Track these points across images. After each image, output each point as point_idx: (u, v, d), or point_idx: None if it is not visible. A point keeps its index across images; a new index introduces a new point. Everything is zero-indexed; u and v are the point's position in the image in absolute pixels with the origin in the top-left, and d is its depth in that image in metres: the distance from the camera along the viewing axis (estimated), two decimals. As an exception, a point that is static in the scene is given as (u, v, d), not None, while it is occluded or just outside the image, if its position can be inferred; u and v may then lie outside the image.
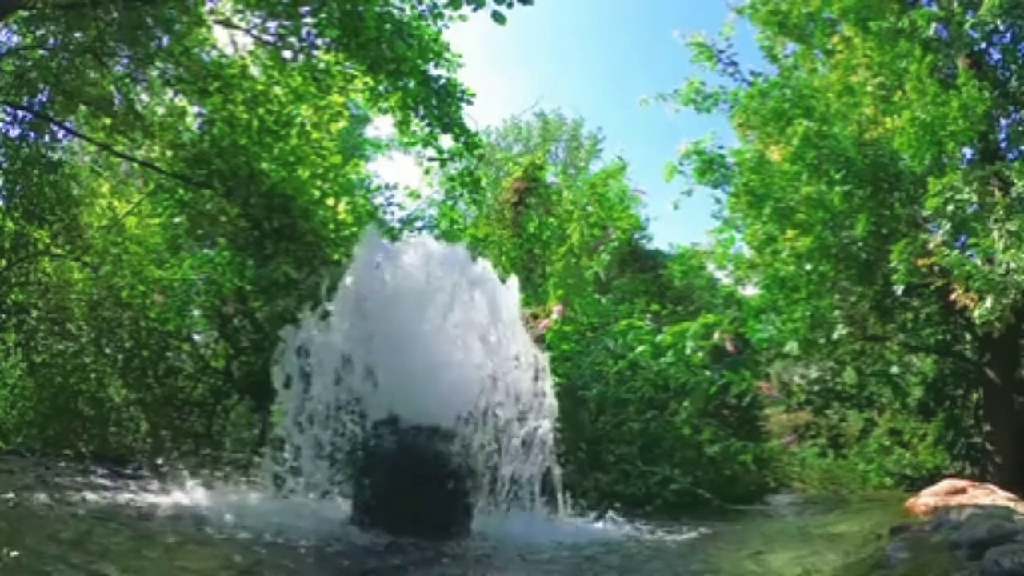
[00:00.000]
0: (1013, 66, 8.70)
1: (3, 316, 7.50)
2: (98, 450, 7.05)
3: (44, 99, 7.63)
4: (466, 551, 4.27)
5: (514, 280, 5.65)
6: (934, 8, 8.49)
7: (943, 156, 7.88)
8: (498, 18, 4.97)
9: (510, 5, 4.95)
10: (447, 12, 7.34)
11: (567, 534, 4.84)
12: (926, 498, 5.60)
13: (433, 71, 7.95)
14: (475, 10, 5.73)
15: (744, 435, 8.01)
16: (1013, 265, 7.02)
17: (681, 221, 47.02)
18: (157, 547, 3.76)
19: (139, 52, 7.43)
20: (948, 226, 7.55)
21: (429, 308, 5.19)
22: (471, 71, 14.92)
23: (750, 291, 10.83)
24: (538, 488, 5.33)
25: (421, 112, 8.12)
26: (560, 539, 4.65)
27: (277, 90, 7.93)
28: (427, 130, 8.36)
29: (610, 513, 5.44)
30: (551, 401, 5.39)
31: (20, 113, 7.48)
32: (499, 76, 31.97)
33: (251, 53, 7.89)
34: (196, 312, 8.29)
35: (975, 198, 7.50)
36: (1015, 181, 7.55)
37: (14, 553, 3.08)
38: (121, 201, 8.82)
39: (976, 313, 7.23)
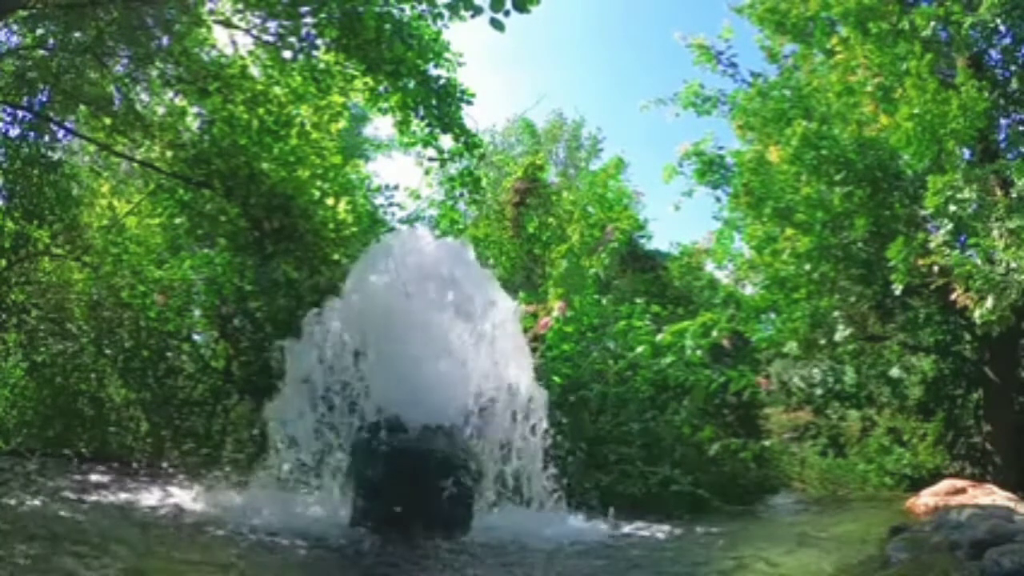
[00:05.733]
0: (1013, 67, 8.69)
1: (3, 316, 7.50)
2: (98, 450, 7.04)
3: (44, 99, 7.62)
4: (465, 550, 4.28)
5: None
6: (934, 7, 8.47)
7: (943, 155, 7.88)
8: (496, 25, 4.96)
9: (507, 13, 4.95)
10: (447, 12, 7.34)
11: (567, 533, 4.84)
12: (926, 498, 5.61)
13: (433, 71, 7.94)
14: (473, 16, 5.72)
15: (744, 434, 8.01)
16: (1013, 264, 7.01)
17: (681, 221, 47.01)
18: (157, 547, 3.76)
19: (139, 52, 7.43)
20: (949, 226, 7.54)
21: (430, 309, 5.21)
22: (471, 71, 14.92)
23: (750, 291, 10.84)
24: (538, 487, 5.34)
25: (421, 112, 8.12)
26: (560, 538, 4.65)
27: (277, 90, 7.92)
28: (427, 130, 8.36)
29: (610, 512, 5.45)
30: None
31: (20, 113, 7.48)
32: (499, 76, 31.94)
33: (251, 53, 7.89)
34: (196, 312, 8.28)
35: (975, 197, 7.49)
36: (1015, 180, 7.54)
37: (17, 556, 3.09)
38: (121, 201, 8.82)
39: (976, 313, 7.22)
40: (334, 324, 5.22)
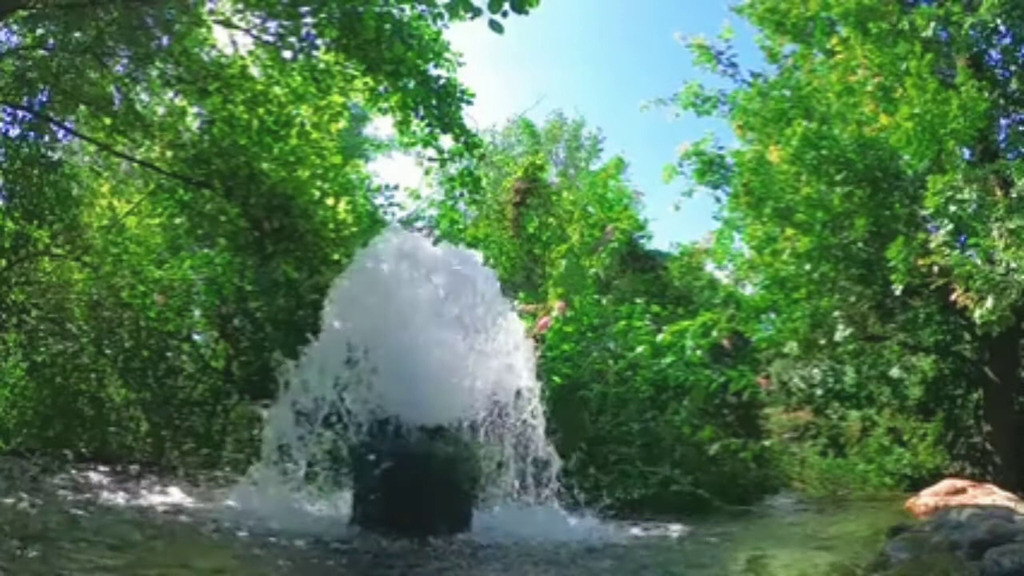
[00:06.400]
0: (1013, 67, 8.70)
1: (3, 316, 7.50)
2: (98, 450, 7.04)
3: (44, 99, 7.63)
4: (465, 551, 4.27)
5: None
6: (934, 7, 8.48)
7: (943, 155, 7.88)
8: (495, 27, 4.96)
9: (505, 14, 4.95)
10: (446, 13, 7.34)
11: (567, 534, 4.83)
12: (926, 498, 5.61)
13: (433, 71, 7.94)
14: (472, 18, 5.74)
15: (744, 434, 8.02)
16: (1013, 264, 7.01)
17: (681, 221, 47.05)
18: (155, 547, 3.76)
19: (139, 52, 7.43)
20: (949, 226, 7.54)
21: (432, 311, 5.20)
22: (471, 71, 14.94)
23: (750, 291, 10.85)
24: (538, 489, 5.33)
25: (421, 112, 8.11)
26: (560, 539, 4.65)
27: (277, 90, 7.93)
28: (427, 130, 8.35)
29: (610, 513, 5.44)
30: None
31: (20, 113, 7.48)
32: (499, 76, 31.96)
33: (251, 53, 7.89)
34: (196, 312, 8.29)
35: (975, 197, 7.49)
36: (1015, 180, 7.54)
37: (13, 556, 3.09)
38: (121, 201, 8.82)
39: (976, 313, 7.22)
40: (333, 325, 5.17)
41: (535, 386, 5.39)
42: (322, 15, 7.20)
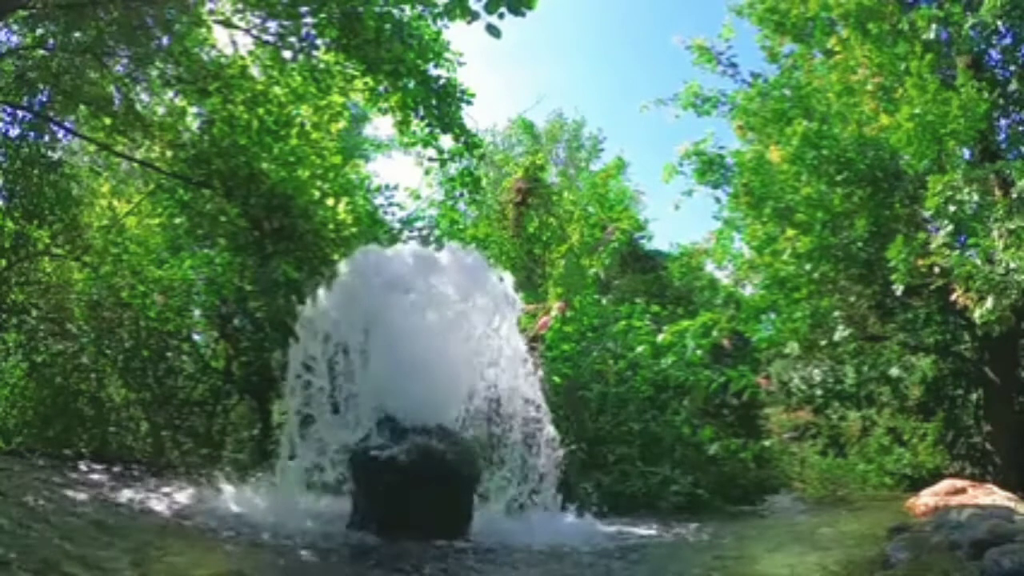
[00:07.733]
0: (1013, 67, 8.70)
1: (3, 316, 7.50)
2: (98, 450, 7.04)
3: (44, 99, 7.63)
4: (465, 551, 4.27)
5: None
6: (934, 8, 8.48)
7: (943, 155, 7.88)
8: (493, 31, 4.96)
9: (501, 16, 4.95)
10: (445, 15, 7.33)
11: (566, 534, 4.83)
12: (926, 498, 5.61)
13: (433, 71, 7.93)
14: (470, 22, 5.74)
15: (744, 434, 8.03)
16: (1013, 265, 7.01)
17: (681, 221, 47.09)
18: (155, 547, 3.76)
19: (139, 52, 7.42)
20: (949, 226, 7.54)
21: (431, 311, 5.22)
22: (471, 71, 14.94)
23: (750, 291, 10.84)
24: (537, 488, 5.34)
25: (421, 112, 8.11)
26: (559, 539, 4.65)
27: (277, 90, 7.92)
28: (427, 130, 8.35)
29: (611, 513, 5.44)
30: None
31: (20, 113, 7.48)
32: (499, 76, 31.93)
33: (251, 53, 7.89)
34: (196, 312, 8.29)
35: (975, 197, 7.49)
36: (1015, 180, 7.54)
37: (13, 555, 3.09)
38: (121, 201, 8.82)
39: (976, 313, 7.22)
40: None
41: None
42: (322, 15, 7.19)
